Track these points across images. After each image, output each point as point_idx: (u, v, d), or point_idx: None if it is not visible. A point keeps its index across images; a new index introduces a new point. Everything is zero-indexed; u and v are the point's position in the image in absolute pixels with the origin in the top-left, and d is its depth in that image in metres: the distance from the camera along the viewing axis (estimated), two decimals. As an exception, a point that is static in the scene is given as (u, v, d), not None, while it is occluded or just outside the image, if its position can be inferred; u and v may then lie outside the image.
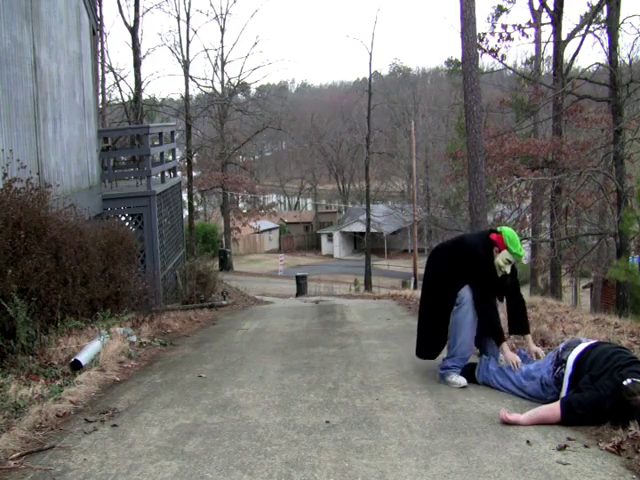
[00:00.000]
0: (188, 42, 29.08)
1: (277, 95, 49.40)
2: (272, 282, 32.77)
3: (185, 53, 29.14)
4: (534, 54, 25.85)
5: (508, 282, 4.82)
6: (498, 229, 4.82)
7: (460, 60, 11.40)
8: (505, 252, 4.65)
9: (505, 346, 4.62)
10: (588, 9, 19.22)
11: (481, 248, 4.72)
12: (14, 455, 3.42)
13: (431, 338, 4.92)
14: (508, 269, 4.70)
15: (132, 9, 25.68)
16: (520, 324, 4.90)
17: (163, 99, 32.25)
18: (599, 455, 3.31)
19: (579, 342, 4.20)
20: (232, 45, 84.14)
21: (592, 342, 4.17)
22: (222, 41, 35.84)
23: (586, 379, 3.80)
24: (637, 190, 12.12)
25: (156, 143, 15.10)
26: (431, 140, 49.62)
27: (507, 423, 3.78)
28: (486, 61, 77.71)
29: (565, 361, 4.06)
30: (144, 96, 25.69)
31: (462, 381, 4.70)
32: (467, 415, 4.03)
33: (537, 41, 23.43)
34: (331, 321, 8.83)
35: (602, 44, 17.41)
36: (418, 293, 12.48)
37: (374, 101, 35.73)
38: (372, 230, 35.32)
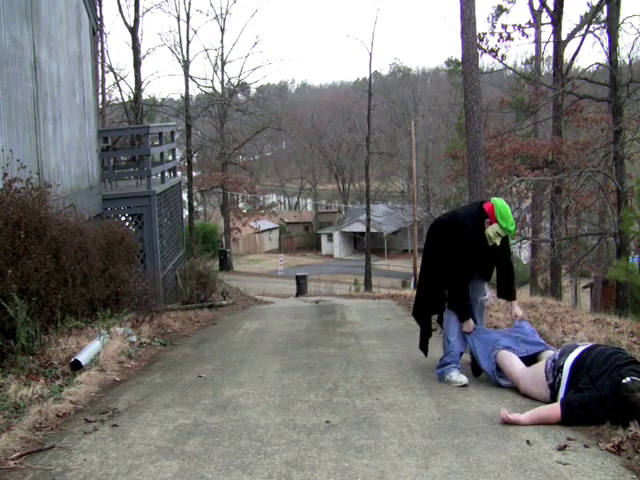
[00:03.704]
0: (188, 42, 29.04)
1: (277, 95, 49.30)
2: (272, 282, 32.77)
3: (185, 53, 29.10)
4: (534, 54, 25.86)
5: (499, 252, 4.94)
6: (492, 200, 4.92)
7: (460, 60, 11.40)
8: (496, 226, 4.73)
9: (469, 321, 4.88)
10: (588, 9, 19.24)
11: (470, 221, 4.84)
12: (14, 455, 3.42)
13: (426, 305, 5.14)
14: (498, 241, 4.79)
15: (132, 9, 25.70)
16: (507, 291, 5.09)
17: (163, 99, 32.24)
18: (599, 455, 3.30)
19: (575, 347, 4.20)
20: (232, 45, 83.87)
21: (588, 346, 4.17)
22: (222, 41, 35.91)
23: (586, 380, 3.80)
24: (637, 190, 12.12)
25: (156, 143, 15.09)
26: (431, 140, 49.60)
27: (507, 423, 3.78)
28: (486, 61, 77.67)
29: (562, 367, 4.06)
30: (144, 96, 25.66)
31: (463, 379, 4.73)
32: (467, 415, 4.02)
33: (537, 41, 23.41)
34: (331, 321, 8.83)
35: (602, 44, 17.43)
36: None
37: (374, 101, 35.72)
38: (372, 230, 35.31)
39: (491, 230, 4.73)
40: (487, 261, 4.95)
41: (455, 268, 4.81)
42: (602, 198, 16.10)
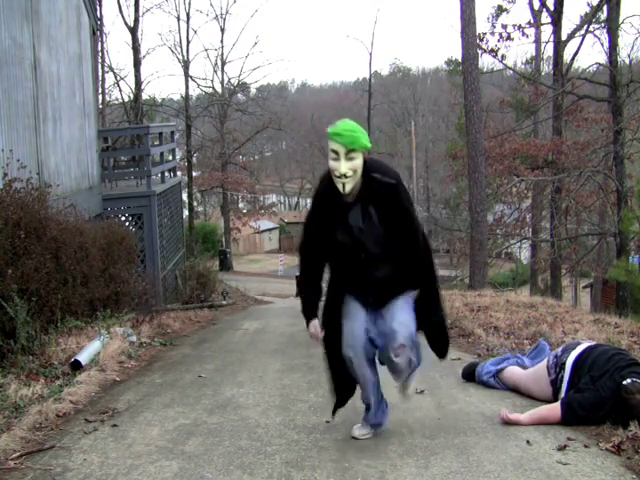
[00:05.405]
0: (188, 42, 29.02)
1: (277, 95, 49.34)
2: (272, 282, 32.74)
3: (185, 53, 29.09)
4: (534, 54, 25.88)
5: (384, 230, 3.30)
6: None
7: (460, 60, 11.42)
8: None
9: (311, 323, 3.57)
10: (588, 9, 19.26)
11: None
12: (14, 455, 3.41)
13: None
14: (341, 167, 3.21)
15: (132, 9, 25.64)
16: (432, 331, 3.58)
17: (163, 99, 32.24)
18: (599, 455, 3.30)
19: (578, 344, 4.19)
20: (232, 45, 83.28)
21: (591, 344, 4.16)
22: (222, 41, 35.75)
23: (587, 380, 3.80)
24: (637, 190, 12.13)
25: (156, 143, 15.09)
26: (431, 140, 49.65)
27: (507, 423, 3.78)
28: (486, 61, 77.41)
29: (564, 363, 4.05)
30: (144, 96, 25.66)
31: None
32: (467, 415, 4.02)
33: (537, 41, 23.43)
34: (331, 321, 8.82)
35: (602, 44, 17.45)
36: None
37: (374, 101, 35.78)
38: (372, 230, 35.28)
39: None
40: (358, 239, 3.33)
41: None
42: (602, 198, 16.13)
